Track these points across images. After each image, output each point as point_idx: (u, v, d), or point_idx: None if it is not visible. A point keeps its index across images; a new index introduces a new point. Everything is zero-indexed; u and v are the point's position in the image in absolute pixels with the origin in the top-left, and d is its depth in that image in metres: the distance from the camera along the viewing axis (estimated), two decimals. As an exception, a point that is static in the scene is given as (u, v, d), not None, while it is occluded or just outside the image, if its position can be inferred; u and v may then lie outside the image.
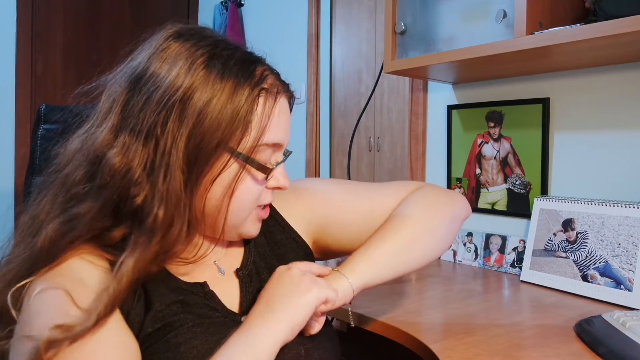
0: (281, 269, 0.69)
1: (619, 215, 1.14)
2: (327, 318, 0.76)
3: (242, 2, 2.79)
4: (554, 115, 1.36)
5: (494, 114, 1.47)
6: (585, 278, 1.16)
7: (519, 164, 1.42)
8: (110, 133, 0.62)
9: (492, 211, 1.48)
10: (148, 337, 0.62)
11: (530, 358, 0.78)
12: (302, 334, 0.69)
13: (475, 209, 1.51)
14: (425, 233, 0.79)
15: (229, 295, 0.72)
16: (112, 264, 0.62)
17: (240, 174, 0.66)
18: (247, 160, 0.65)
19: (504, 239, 1.42)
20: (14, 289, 0.58)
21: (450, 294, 1.16)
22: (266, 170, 0.68)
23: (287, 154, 0.73)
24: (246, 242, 0.79)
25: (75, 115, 0.69)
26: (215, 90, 0.62)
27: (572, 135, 1.32)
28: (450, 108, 1.60)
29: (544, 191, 1.36)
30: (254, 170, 0.67)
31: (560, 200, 1.27)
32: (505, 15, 1.11)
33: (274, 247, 0.81)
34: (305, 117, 2.39)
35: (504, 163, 1.45)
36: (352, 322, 0.79)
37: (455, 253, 1.53)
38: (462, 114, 1.56)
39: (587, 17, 1.16)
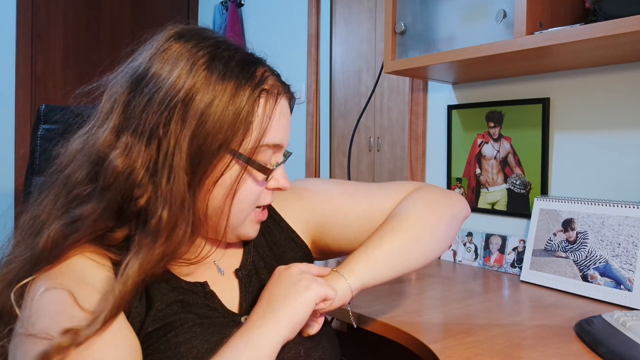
0: (280, 269, 0.70)
1: (619, 215, 1.14)
2: (326, 318, 0.76)
3: (242, 2, 2.79)
4: (554, 115, 1.36)
5: (494, 114, 1.47)
6: (585, 278, 1.16)
7: (519, 164, 1.42)
8: (112, 134, 0.62)
9: (492, 211, 1.48)
10: (148, 336, 0.62)
11: (530, 358, 0.78)
12: (301, 334, 0.69)
13: (475, 209, 1.51)
14: (425, 233, 0.79)
15: (229, 295, 0.72)
16: (114, 263, 0.62)
17: (242, 175, 0.66)
18: (248, 162, 0.66)
19: (504, 239, 1.42)
20: (16, 287, 0.58)
21: (450, 294, 1.16)
22: (266, 171, 0.68)
23: (287, 155, 0.73)
24: (245, 243, 0.79)
25: (76, 116, 0.69)
26: (217, 91, 0.62)
27: (572, 135, 1.32)
28: (450, 108, 1.60)
29: (544, 191, 1.36)
30: (254, 171, 0.67)
31: (560, 200, 1.27)
32: (505, 15, 1.11)
33: (273, 247, 0.81)
34: (305, 117, 2.39)
35: (504, 163, 1.45)
36: (354, 324, 0.79)
37: (455, 253, 1.53)
38: (462, 114, 1.56)
39: (587, 17, 1.16)
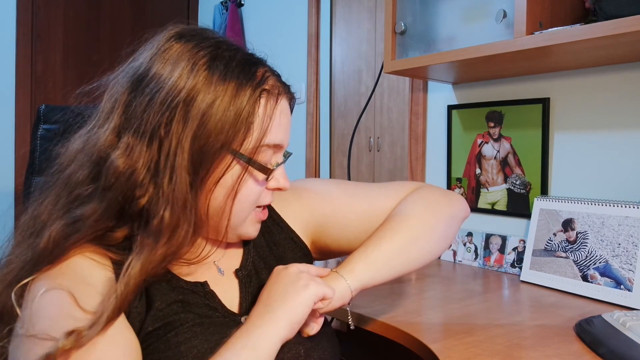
0: (279, 268, 0.70)
1: (619, 215, 1.14)
2: (326, 318, 0.76)
3: (242, 2, 2.79)
4: (554, 115, 1.36)
5: (494, 114, 1.47)
6: (585, 278, 1.16)
7: (519, 164, 1.42)
8: (113, 134, 0.63)
9: (492, 211, 1.48)
10: (148, 335, 0.62)
11: (530, 358, 0.78)
12: (301, 335, 0.69)
13: (475, 209, 1.51)
14: (424, 233, 0.79)
15: (229, 295, 0.72)
16: (114, 262, 0.62)
17: (243, 175, 0.66)
18: (249, 162, 0.66)
19: (504, 239, 1.42)
20: (16, 287, 0.58)
21: (450, 294, 1.16)
22: (267, 171, 0.68)
23: (287, 155, 0.73)
24: (245, 243, 0.79)
25: (77, 115, 0.69)
26: (218, 91, 0.62)
27: (572, 135, 1.32)
28: (450, 108, 1.60)
29: (544, 191, 1.36)
30: (255, 171, 0.67)
31: (560, 200, 1.27)
32: (505, 15, 1.11)
33: (272, 247, 0.81)
34: (305, 117, 2.39)
35: (504, 163, 1.45)
36: (351, 325, 0.79)
37: (455, 253, 1.53)
38: (462, 114, 1.56)
39: (587, 17, 1.16)
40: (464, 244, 1.51)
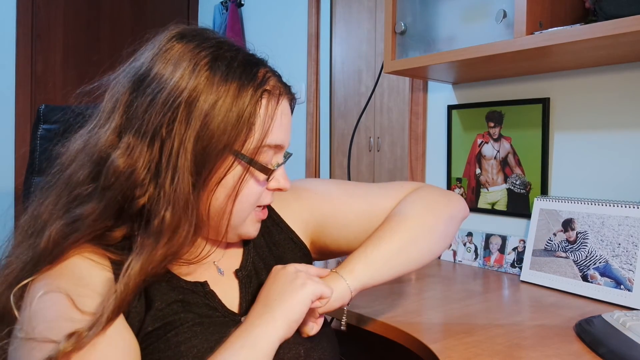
0: (277, 268, 0.70)
1: (619, 215, 1.14)
2: (325, 319, 0.76)
3: (242, 2, 2.79)
4: (554, 115, 1.36)
5: (494, 114, 1.48)
6: (585, 278, 1.16)
7: (519, 164, 1.42)
8: (114, 134, 0.63)
9: (492, 211, 1.48)
10: (148, 335, 0.62)
11: (530, 358, 0.78)
12: (301, 335, 0.69)
13: (475, 209, 1.51)
14: (423, 233, 0.79)
15: (229, 295, 0.72)
16: (113, 262, 0.62)
17: (244, 175, 0.66)
18: (251, 162, 0.66)
19: (504, 239, 1.42)
20: (15, 289, 0.58)
21: (450, 294, 1.16)
22: (268, 171, 0.68)
23: (287, 155, 0.73)
24: (245, 243, 0.79)
25: (77, 115, 0.69)
26: (220, 92, 0.62)
27: (572, 135, 1.32)
28: (450, 108, 1.60)
29: (544, 191, 1.36)
30: (256, 172, 0.67)
31: (560, 200, 1.27)
32: (505, 15, 1.11)
33: (272, 247, 0.81)
34: (305, 117, 2.39)
35: (504, 163, 1.45)
36: (343, 325, 0.79)
37: (455, 253, 1.53)
38: (462, 114, 1.56)
39: (587, 17, 1.16)
40: (464, 244, 1.51)
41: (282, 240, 0.82)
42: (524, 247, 1.35)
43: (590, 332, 0.85)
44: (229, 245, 0.77)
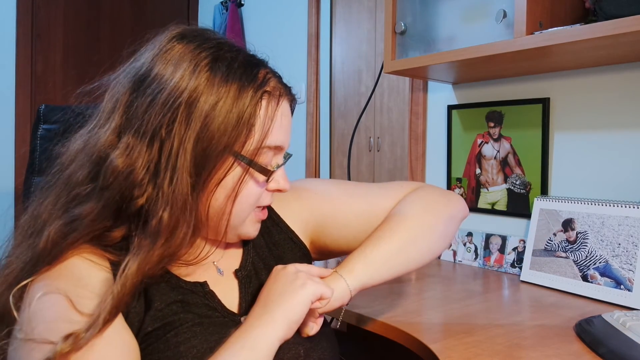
0: (277, 268, 0.70)
1: (619, 215, 1.14)
2: (325, 319, 0.76)
3: (242, 2, 2.79)
4: (554, 115, 1.36)
5: (494, 114, 1.48)
6: (585, 278, 1.16)
7: (519, 164, 1.42)
8: (114, 134, 0.63)
9: (492, 211, 1.48)
10: (148, 336, 0.62)
11: (530, 358, 0.78)
12: (300, 335, 0.69)
13: (475, 209, 1.51)
14: (423, 233, 0.79)
15: (229, 295, 0.72)
16: (112, 263, 0.62)
17: (244, 176, 0.66)
18: (250, 163, 0.66)
19: (504, 239, 1.42)
20: (15, 289, 0.58)
21: (450, 294, 1.16)
22: (267, 172, 0.68)
23: (287, 156, 0.73)
24: (245, 243, 0.79)
25: (77, 115, 0.69)
26: (221, 93, 0.62)
27: (572, 135, 1.32)
28: (450, 108, 1.60)
29: (544, 191, 1.36)
30: (255, 173, 0.67)
31: (560, 200, 1.27)
32: (505, 15, 1.11)
33: (272, 247, 0.81)
34: (305, 117, 2.39)
35: (504, 163, 1.45)
36: (339, 323, 0.79)
37: (455, 253, 1.53)
38: (462, 114, 1.56)
39: (587, 17, 1.16)
40: (464, 244, 1.51)
41: (282, 240, 0.82)
42: (524, 247, 1.35)
43: (590, 332, 0.85)
44: (228, 245, 0.77)
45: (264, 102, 0.66)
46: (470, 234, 1.50)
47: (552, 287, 1.21)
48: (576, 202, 1.23)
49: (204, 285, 0.69)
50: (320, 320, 0.72)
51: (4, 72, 2.56)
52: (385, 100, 2.18)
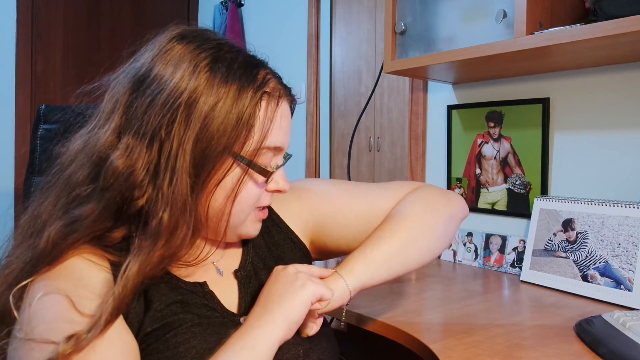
0: (277, 269, 0.70)
1: (619, 215, 1.14)
2: (325, 319, 0.76)
3: (242, 2, 2.79)
4: (554, 115, 1.36)
5: (494, 114, 1.48)
6: (585, 278, 1.16)
7: (519, 164, 1.42)
8: (114, 134, 0.63)
9: (492, 211, 1.48)
10: (147, 336, 0.62)
11: (530, 358, 0.78)
12: (300, 335, 0.69)
13: (475, 209, 1.51)
14: (423, 233, 0.79)
15: (228, 296, 0.72)
16: (112, 263, 0.62)
17: (243, 177, 0.66)
18: (250, 164, 0.66)
19: (504, 239, 1.42)
20: (15, 289, 0.58)
21: (450, 294, 1.16)
22: (267, 173, 0.68)
23: (287, 157, 0.73)
24: (244, 243, 0.79)
25: (77, 115, 0.69)
26: (220, 94, 0.62)
27: (572, 135, 1.32)
28: (450, 108, 1.60)
29: (544, 191, 1.36)
30: (255, 174, 0.67)
31: (560, 200, 1.27)
32: (505, 15, 1.11)
33: (271, 247, 0.81)
34: (305, 117, 2.39)
35: (504, 163, 1.45)
36: (342, 324, 0.80)
37: (455, 253, 1.53)
38: (462, 114, 1.56)
39: (587, 17, 1.16)
40: (464, 244, 1.51)
41: (282, 241, 0.82)
42: (524, 247, 1.35)
43: (590, 332, 0.85)
44: (228, 245, 0.77)
45: (263, 103, 0.66)
46: (470, 234, 1.50)
47: (552, 287, 1.21)
48: (576, 202, 1.23)
49: (203, 285, 0.69)
50: (320, 321, 0.72)
51: (4, 72, 2.56)
52: (385, 100, 2.18)
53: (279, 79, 0.70)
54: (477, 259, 1.47)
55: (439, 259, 1.57)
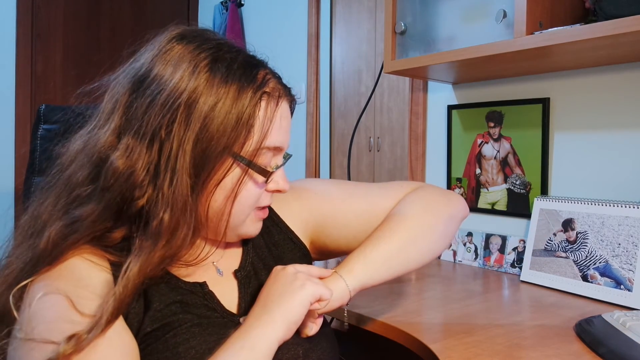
0: (277, 269, 0.70)
1: (619, 215, 1.14)
2: (325, 319, 0.76)
3: (242, 2, 2.79)
4: (554, 115, 1.36)
5: (494, 114, 1.48)
6: (585, 278, 1.16)
7: (519, 164, 1.42)
8: (113, 135, 0.63)
9: (492, 211, 1.48)
10: (147, 336, 0.62)
11: (530, 358, 0.78)
12: (300, 335, 0.69)
13: (475, 209, 1.51)
14: (423, 233, 0.79)
15: (228, 295, 0.72)
16: (112, 264, 0.62)
17: (243, 177, 0.66)
18: (249, 164, 0.66)
19: (504, 239, 1.42)
20: (15, 289, 0.58)
21: (450, 294, 1.16)
22: (267, 173, 0.68)
23: (286, 157, 0.73)
24: (244, 243, 0.79)
25: (77, 115, 0.69)
26: (220, 94, 0.62)
27: (572, 135, 1.32)
28: (450, 108, 1.60)
29: (544, 191, 1.36)
30: (255, 174, 0.67)
31: (560, 200, 1.27)
32: (505, 15, 1.11)
33: (271, 248, 0.81)
34: (305, 117, 2.39)
35: (504, 163, 1.45)
36: (346, 324, 0.80)
37: (455, 253, 1.53)
38: (462, 114, 1.56)
39: (587, 17, 1.16)
40: (464, 244, 1.51)
41: (282, 241, 0.82)
42: (524, 247, 1.35)
43: (590, 332, 0.85)
44: (228, 245, 0.77)
45: (263, 103, 0.66)
46: (470, 234, 1.50)
47: (552, 287, 1.21)
48: (576, 202, 1.23)
49: (203, 285, 0.69)
50: (320, 321, 0.72)
51: (4, 72, 2.56)
52: (385, 100, 2.18)
53: (278, 79, 0.70)
54: (477, 259, 1.47)
55: (439, 259, 1.57)
